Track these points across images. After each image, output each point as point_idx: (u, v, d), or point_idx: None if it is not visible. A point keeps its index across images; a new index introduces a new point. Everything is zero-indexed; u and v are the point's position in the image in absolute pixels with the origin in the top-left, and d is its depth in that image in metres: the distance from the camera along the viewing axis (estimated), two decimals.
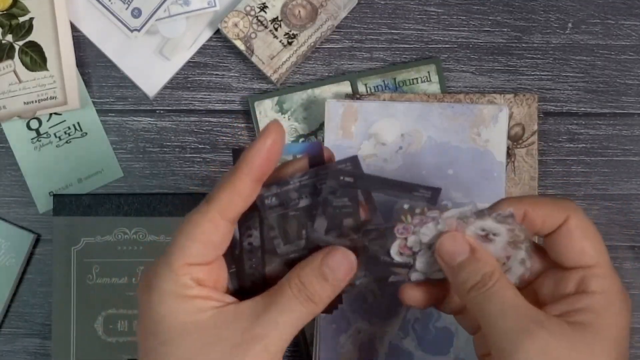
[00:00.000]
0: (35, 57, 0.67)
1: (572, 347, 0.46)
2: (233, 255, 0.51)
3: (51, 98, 0.67)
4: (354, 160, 0.52)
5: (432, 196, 0.51)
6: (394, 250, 0.51)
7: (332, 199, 0.51)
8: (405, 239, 0.51)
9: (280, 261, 0.51)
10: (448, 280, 0.53)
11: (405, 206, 0.51)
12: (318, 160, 0.52)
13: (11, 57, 0.67)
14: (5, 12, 0.67)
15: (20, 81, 0.67)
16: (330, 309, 0.52)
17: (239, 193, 0.47)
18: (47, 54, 0.67)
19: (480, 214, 0.50)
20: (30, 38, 0.67)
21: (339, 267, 0.49)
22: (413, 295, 0.53)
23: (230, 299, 0.49)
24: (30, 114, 0.68)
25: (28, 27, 0.68)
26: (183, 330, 0.47)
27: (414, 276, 0.53)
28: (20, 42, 0.67)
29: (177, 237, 0.47)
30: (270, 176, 0.49)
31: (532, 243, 0.51)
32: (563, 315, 0.48)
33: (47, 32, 0.68)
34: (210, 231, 0.47)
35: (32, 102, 0.68)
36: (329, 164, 0.52)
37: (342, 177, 0.52)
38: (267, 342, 0.47)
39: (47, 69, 0.67)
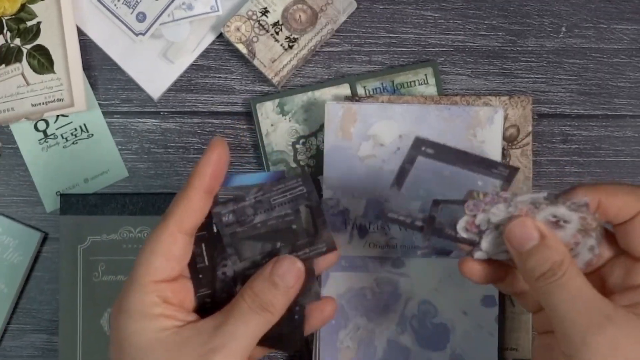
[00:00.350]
0: (42, 61, 0.68)
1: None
2: (198, 278, 0.53)
3: (58, 100, 0.68)
4: (305, 177, 0.52)
5: (509, 174, 0.51)
6: (460, 226, 0.51)
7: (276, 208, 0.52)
8: (474, 216, 0.51)
9: (238, 280, 0.53)
10: (512, 262, 0.52)
11: (480, 183, 0.53)
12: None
13: (19, 60, 0.67)
14: (13, 16, 0.68)
15: (28, 84, 0.68)
16: (289, 347, 0.54)
17: (192, 206, 0.49)
18: (54, 57, 0.67)
19: (553, 200, 0.50)
20: (37, 42, 0.68)
21: (287, 273, 0.50)
22: (474, 270, 0.53)
23: (193, 316, 0.51)
24: (37, 115, 0.68)
25: (35, 31, 0.68)
26: (148, 347, 0.48)
27: (478, 255, 0.53)
28: (28, 46, 0.68)
29: (140, 254, 0.49)
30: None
31: (603, 230, 0.50)
32: (632, 307, 0.47)
33: (54, 36, 0.68)
34: (170, 244, 0.49)
35: (40, 104, 0.68)
36: (284, 178, 0.53)
37: (423, 148, 0.52)
38: (227, 353, 0.48)
39: (54, 72, 0.67)
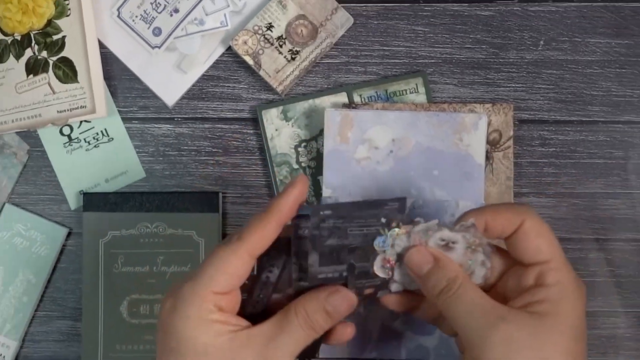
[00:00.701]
0: (67, 71, 0.69)
1: (533, 334, 0.49)
2: (244, 284, 0.55)
3: (81, 107, 0.69)
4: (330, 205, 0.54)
5: (400, 206, 0.53)
6: (377, 266, 0.54)
7: (320, 235, 0.53)
8: (384, 251, 0.54)
9: (285, 293, 0.55)
10: (420, 291, 0.56)
11: (383, 220, 0.53)
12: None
13: (46, 71, 0.69)
14: (40, 31, 0.69)
15: (54, 92, 0.69)
16: (308, 357, 0.55)
17: (266, 236, 0.51)
18: (77, 68, 0.69)
19: (439, 226, 0.53)
20: (62, 54, 0.69)
21: (340, 305, 0.52)
22: (391, 301, 0.56)
23: (244, 322, 0.52)
24: (62, 121, 0.70)
25: (61, 45, 0.70)
26: (204, 351, 0.50)
27: (394, 287, 0.56)
28: (54, 58, 0.69)
29: (206, 267, 0.51)
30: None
31: (491, 246, 0.54)
32: (525, 307, 0.50)
33: (77, 48, 0.70)
34: (239, 266, 0.51)
35: (65, 110, 0.69)
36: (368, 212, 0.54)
37: (321, 212, 0.52)
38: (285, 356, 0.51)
39: (77, 82, 0.69)
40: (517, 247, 0.52)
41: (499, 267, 0.55)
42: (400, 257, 0.55)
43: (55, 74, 0.70)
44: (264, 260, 0.54)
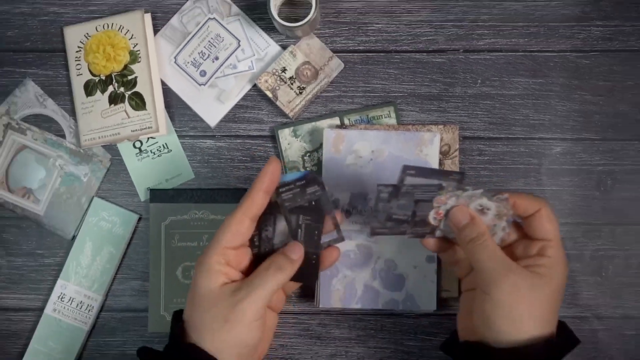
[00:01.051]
0: (138, 102, 0.73)
1: (532, 285, 0.54)
2: (252, 244, 0.59)
3: (148, 128, 0.73)
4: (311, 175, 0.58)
5: (459, 178, 0.57)
6: (431, 216, 0.59)
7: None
8: (439, 207, 0.58)
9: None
10: (454, 240, 0.60)
11: (444, 184, 0.57)
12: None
13: (123, 101, 0.73)
14: (119, 73, 0.74)
15: (128, 117, 0.73)
16: (311, 281, 0.62)
17: (255, 201, 0.56)
18: (146, 100, 0.73)
19: (481, 195, 0.57)
20: (135, 89, 0.73)
21: (294, 251, 0.58)
22: (431, 244, 0.62)
23: (241, 276, 0.56)
24: (135, 138, 0.73)
25: (134, 83, 0.73)
26: (205, 295, 0.55)
27: (437, 233, 0.61)
28: (129, 92, 0.73)
29: (217, 231, 0.56)
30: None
31: (513, 219, 0.58)
32: (528, 267, 0.56)
33: (146, 86, 0.73)
34: (238, 225, 0.56)
35: (136, 130, 0.73)
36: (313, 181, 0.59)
37: (408, 171, 0.55)
38: (250, 300, 0.54)
39: (146, 109, 0.73)
40: (532, 225, 0.57)
41: (514, 236, 0.60)
42: (447, 213, 0.59)
43: (129, 104, 0.73)
44: (261, 221, 0.58)
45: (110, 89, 0.74)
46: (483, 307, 0.54)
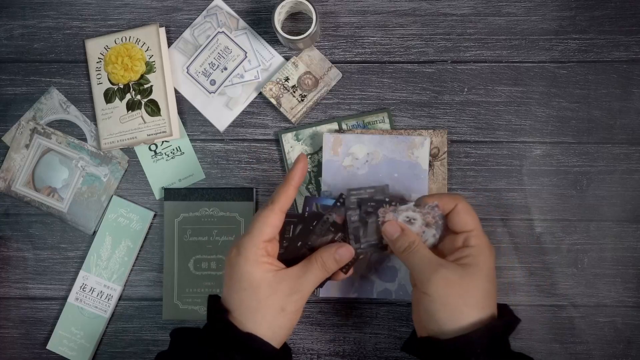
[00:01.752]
0: (154, 108, 0.75)
1: (461, 276, 0.56)
2: (282, 241, 0.62)
3: (163, 132, 0.75)
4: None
5: (391, 199, 0.60)
6: (370, 230, 0.61)
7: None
8: (383, 217, 0.61)
9: (307, 248, 0.62)
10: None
11: (386, 202, 0.61)
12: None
13: (139, 108, 0.75)
14: (136, 82, 0.76)
15: (145, 122, 0.75)
16: (322, 284, 0.62)
17: (289, 195, 0.59)
18: (160, 107, 0.75)
19: (407, 208, 0.60)
20: (151, 97, 0.75)
21: (344, 255, 0.60)
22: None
23: (282, 266, 0.59)
24: (150, 141, 0.75)
25: (149, 91, 0.75)
26: (257, 283, 0.57)
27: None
28: (145, 99, 0.75)
29: (256, 224, 0.57)
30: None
31: (444, 224, 0.60)
32: (455, 260, 0.58)
33: (161, 93, 0.75)
34: (276, 219, 0.58)
35: (152, 134, 0.75)
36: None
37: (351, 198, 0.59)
38: (302, 292, 0.58)
39: (160, 115, 0.75)
40: (452, 220, 0.59)
41: (442, 234, 0.61)
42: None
43: (145, 110, 0.75)
44: (285, 224, 0.60)
45: (128, 96, 0.76)
46: (424, 304, 0.55)
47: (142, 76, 0.75)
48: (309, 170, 0.75)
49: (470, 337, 0.53)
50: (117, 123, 0.75)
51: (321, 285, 0.61)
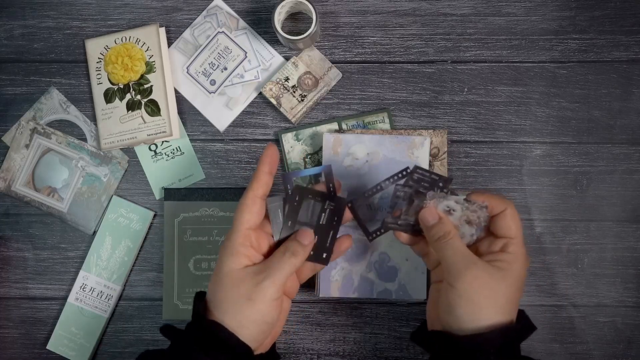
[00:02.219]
0: (154, 109, 0.75)
1: (491, 278, 0.56)
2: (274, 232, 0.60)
3: (162, 132, 0.75)
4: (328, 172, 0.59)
5: (445, 183, 0.59)
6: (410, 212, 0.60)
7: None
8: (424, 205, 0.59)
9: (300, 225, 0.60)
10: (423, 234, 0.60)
11: (439, 187, 0.60)
12: (330, 178, 0.60)
13: (139, 108, 0.75)
14: (136, 82, 0.76)
15: (145, 122, 0.75)
16: (325, 262, 0.62)
17: (261, 181, 0.58)
18: (161, 107, 0.75)
19: (456, 200, 0.58)
20: (151, 97, 0.75)
21: (305, 238, 0.60)
22: (403, 237, 0.62)
23: (261, 259, 0.58)
24: (150, 141, 0.75)
25: (149, 91, 0.75)
26: (228, 275, 0.57)
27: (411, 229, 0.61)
28: (145, 99, 0.75)
29: (236, 212, 0.58)
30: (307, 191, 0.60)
31: (485, 227, 0.59)
32: (490, 262, 0.57)
33: (161, 93, 0.75)
34: (251, 205, 0.58)
35: (152, 134, 0.75)
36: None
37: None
38: (270, 281, 0.56)
39: (160, 115, 0.74)
40: (497, 224, 0.58)
41: (481, 235, 0.60)
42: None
43: (145, 110, 0.75)
44: (288, 210, 0.59)
45: (128, 96, 0.76)
46: (448, 297, 0.55)
47: (142, 76, 0.75)
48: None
49: (486, 337, 0.53)
50: (117, 123, 0.75)
51: (325, 258, 0.60)
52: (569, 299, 0.75)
